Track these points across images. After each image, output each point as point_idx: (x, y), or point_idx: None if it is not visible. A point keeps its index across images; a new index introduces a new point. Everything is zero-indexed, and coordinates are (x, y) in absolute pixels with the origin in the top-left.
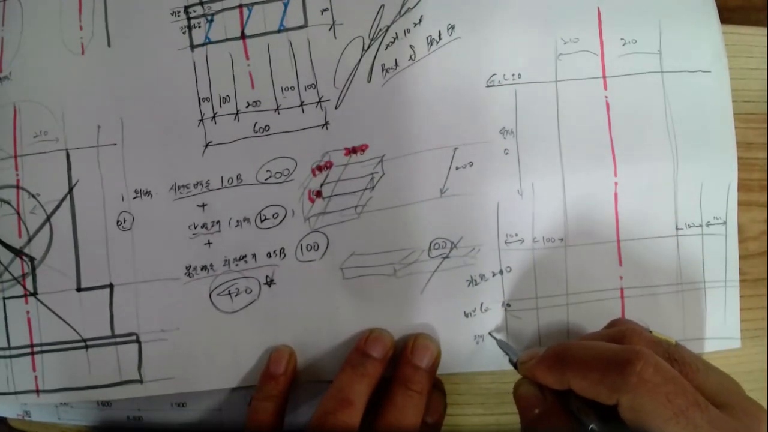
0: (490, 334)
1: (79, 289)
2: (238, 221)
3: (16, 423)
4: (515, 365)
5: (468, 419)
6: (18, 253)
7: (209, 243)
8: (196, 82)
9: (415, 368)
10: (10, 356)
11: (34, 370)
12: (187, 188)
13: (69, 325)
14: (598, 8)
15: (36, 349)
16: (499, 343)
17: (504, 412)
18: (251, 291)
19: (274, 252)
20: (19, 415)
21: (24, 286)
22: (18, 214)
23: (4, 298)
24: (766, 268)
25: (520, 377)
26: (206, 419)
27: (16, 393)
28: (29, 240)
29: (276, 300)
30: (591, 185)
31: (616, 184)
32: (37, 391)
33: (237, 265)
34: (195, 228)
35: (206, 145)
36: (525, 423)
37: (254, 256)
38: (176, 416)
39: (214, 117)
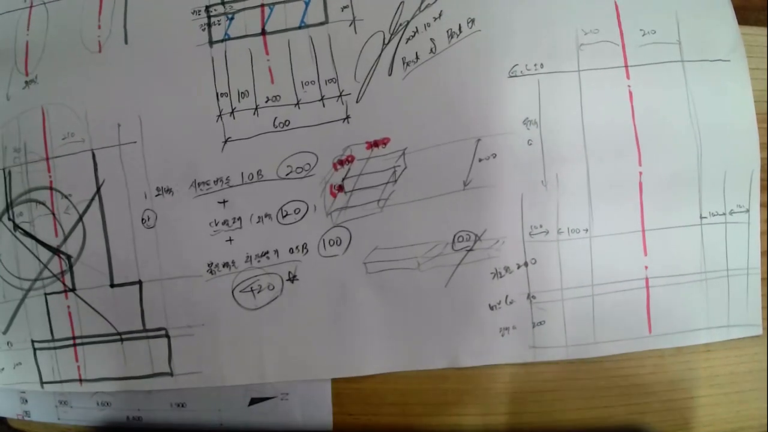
0: None
1: (112, 285)
2: (259, 217)
3: (16, 423)
4: None
5: (468, 419)
6: (56, 251)
7: (230, 240)
8: (214, 77)
9: None
10: (54, 348)
11: (77, 360)
12: (207, 185)
13: (105, 319)
14: (615, 1)
15: (78, 341)
16: None
17: (504, 412)
18: (273, 287)
19: (297, 248)
20: (18, 415)
21: (63, 283)
22: (53, 214)
23: (45, 294)
24: (767, 267)
25: None
26: (206, 419)
27: (61, 382)
28: (65, 239)
29: (299, 296)
30: (616, 175)
31: (640, 173)
32: (80, 380)
33: (259, 261)
34: (216, 225)
35: (225, 141)
36: None
37: (276, 252)
38: (176, 416)
39: (232, 112)
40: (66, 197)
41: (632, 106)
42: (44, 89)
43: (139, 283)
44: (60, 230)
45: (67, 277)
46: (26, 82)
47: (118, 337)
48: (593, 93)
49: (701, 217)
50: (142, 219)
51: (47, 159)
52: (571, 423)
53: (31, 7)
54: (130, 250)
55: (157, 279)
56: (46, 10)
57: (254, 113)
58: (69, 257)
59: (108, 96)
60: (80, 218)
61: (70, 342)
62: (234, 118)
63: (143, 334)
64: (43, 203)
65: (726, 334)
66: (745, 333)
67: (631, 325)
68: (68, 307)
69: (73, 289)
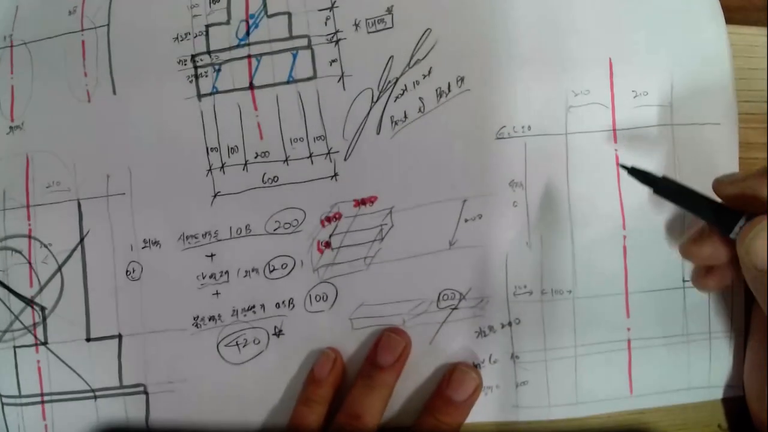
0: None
1: (88, 339)
2: (246, 271)
3: None
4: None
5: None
6: (29, 302)
7: (217, 293)
8: (204, 131)
9: (447, 401)
10: (21, 404)
11: (44, 419)
12: (196, 238)
13: (78, 375)
14: (610, 59)
15: (46, 398)
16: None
17: None
18: (259, 342)
19: (283, 302)
20: None
21: (35, 336)
22: (30, 263)
23: (15, 347)
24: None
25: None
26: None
27: None
28: (40, 289)
29: (284, 351)
30: (600, 238)
31: (624, 237)
32: None
33: (245, 315)
34: (203, 278)
35: (215, 195)
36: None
37: (263, 306)
38: None
39: (222, 167)
40: (45, 246)
41: (618, 170)
42: (31, 136)
43: (119, 337)
44: (36, 280)
45: (39, 330)
46: (11, 128)
47: (91, 394)
48: (579, 156)
49: (684, 281)
50: (127, 271)
51: (27, 206)
52: (571, 423)
53: (11, 47)
54: (111, 303)
55: (140, 333)
56: (28, 51)
57: (244, 168)
58: (43, 309)
59: (98, 147)
60: (59, 269)
61: (38, 399)
62: (224, 173)
63: (119, 391)
64: (19, 252)
65: (707, 395)
66: (728, 393)
67: (612, 386)
68: (38, 361)
69: (45, 343)
